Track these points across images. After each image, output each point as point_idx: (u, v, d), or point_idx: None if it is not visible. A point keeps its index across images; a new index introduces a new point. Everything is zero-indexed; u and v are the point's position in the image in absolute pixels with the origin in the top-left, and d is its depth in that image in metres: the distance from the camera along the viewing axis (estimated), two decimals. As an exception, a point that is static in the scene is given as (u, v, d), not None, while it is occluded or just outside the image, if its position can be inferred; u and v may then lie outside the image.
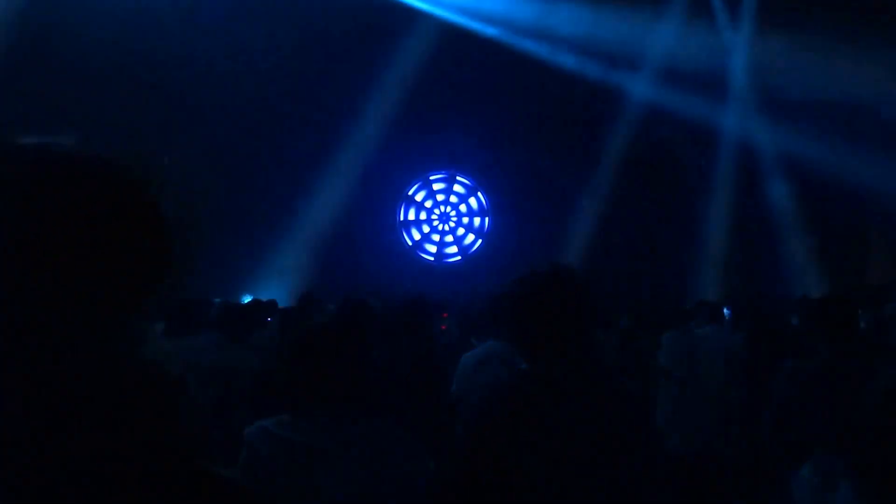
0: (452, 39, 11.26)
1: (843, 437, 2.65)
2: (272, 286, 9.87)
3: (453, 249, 13.06)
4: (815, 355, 3.27)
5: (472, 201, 13.10)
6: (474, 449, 2.11)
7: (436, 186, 13.07)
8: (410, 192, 12.95)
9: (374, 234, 12.38)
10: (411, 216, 12.98)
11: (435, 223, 13.08)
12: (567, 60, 11.40)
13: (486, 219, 13.05)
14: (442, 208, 13.11)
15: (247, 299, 7.68)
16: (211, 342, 4.11)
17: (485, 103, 11.76)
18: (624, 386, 2.31)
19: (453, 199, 13.09)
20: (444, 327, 5.61)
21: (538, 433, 2.02)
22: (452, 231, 13.10)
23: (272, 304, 6.38)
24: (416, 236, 12.97)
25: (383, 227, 12.68)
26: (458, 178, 13.07)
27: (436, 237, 13.05)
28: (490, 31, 11.45)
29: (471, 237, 13.09)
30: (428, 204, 13.05)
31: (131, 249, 0.80)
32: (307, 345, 2.27)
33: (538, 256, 11.03)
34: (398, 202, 12.88)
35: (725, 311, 6.48)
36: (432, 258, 12.92)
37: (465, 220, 13.11)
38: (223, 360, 3.94)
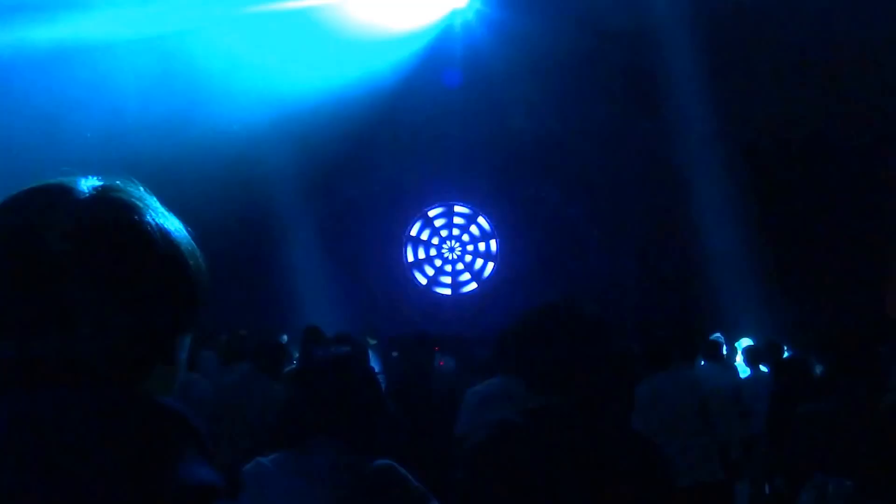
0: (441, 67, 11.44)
1: (846, 462, 2.60)
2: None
3: (467, 277, 13.06)
4: (833, 395, 3.21)
5: (474, 228, 13.13)
6: (475, 491, 2.03)
7: (437, 223, 13.12)
8: (413, 233, 12.99)
9: (388, 278, 12.48)
10: (420, 255, 13.02)
11: (445, 255, 13.11)
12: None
13: (494, 241, 13.06)
14: (449, 243, 13.14)
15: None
16: (243, 377, 4.13)
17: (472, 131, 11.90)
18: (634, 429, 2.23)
19: (455, 231, 13.13)
20: (441, 363, 5.52)
21: (543, 476, 1.94)
22: (461, 259, 13.12)
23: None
24: (430, 272, 12.99)
25: (395, 270, 12.78)
26: (457, 206, 13.11)
27: (448, 268, 13.08)
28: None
29: (480, 262, 13.10)
30: (434, 241, 13.09)
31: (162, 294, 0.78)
32: (306, 380, 2.22)
33: (552, 276, 11.04)
34: (403, 244, 12.95)
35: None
36: (449, 291, 12.92)
37: (471, 247, 13.13)
38: (254, 395, 3.93)
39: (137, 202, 0.78)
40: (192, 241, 0.82)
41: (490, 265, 13.10)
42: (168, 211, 0.83)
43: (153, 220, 0.77)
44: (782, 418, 4.14)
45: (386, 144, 11.80)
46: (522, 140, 11.98)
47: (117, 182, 0.80)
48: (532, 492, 1.91)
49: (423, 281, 13.07)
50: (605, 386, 2.10)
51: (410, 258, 13.07)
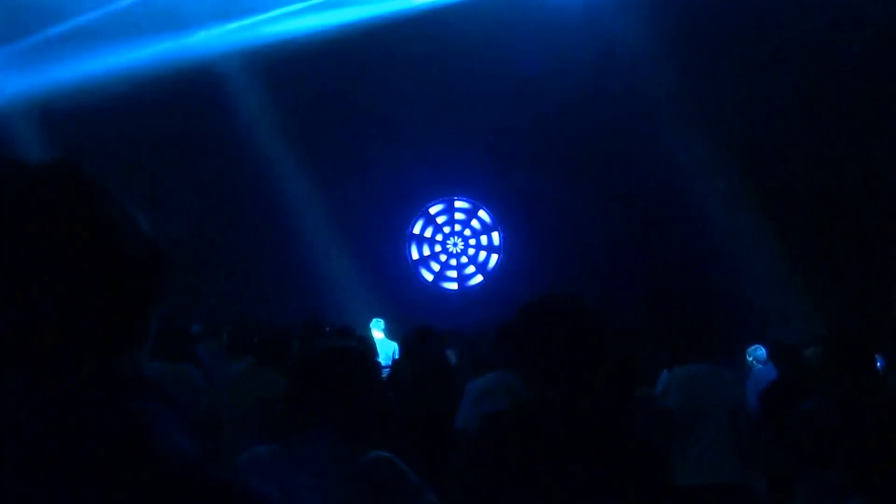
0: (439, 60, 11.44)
1: (849, 456, 2.61)
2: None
3: (472, 269, 13.09)
4: (832, 394, 3.22)
5: (476, 222, 13.15)
6: (468, 481, 2.04)
7: (439, 219, 13.14)
8: (416, 231, 13.02)
9: (394, 275, 12.53)
10: (426, 252, 13.05)
11: (450, 249, 13.15)
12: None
13: (497, 233, 13.07)
14: (453, 238, 13.17)
15: None
16: (244, 369, 4.16)
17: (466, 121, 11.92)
18: (630, 422, 2.24)
19: (458, 226, 13.15)
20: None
21: (532, 467, 1.94)
22: (465, 252, 13.15)
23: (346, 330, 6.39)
24: (436, 267, 13.03)
25: (400, 268, 12.82)
26: (457, 202, 13.12)
27: (453, 262, 13.11)
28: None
29: (483, 254, 13.13)
30: (438, 237, 13.12)
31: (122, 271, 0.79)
32: (302, 371, 2.22)
33: (557, 265, 11.04)
34: (408, 241, 12.99)
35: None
36: (455, 285, 12.96)
37: (473, 241, 13.16)
38: (254, 387, 3.95)
39: (91, 180, 0.79)
40: (144, 222, 0.83)
41: (494, 257, 13.16)
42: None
43: (107, 196, 0.78)
44: (779, 416, 4.13)
45: (384, 138, 11.84)
46: (522, 131, 11.99)
47: (71, 161, 0.81)
48: (522, 482, 1.92)
49: (430, 277, 13.11)
50: (601, 380, 2.11)
51: (416, 256, 13.12)
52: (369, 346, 5.91)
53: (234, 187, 12.10)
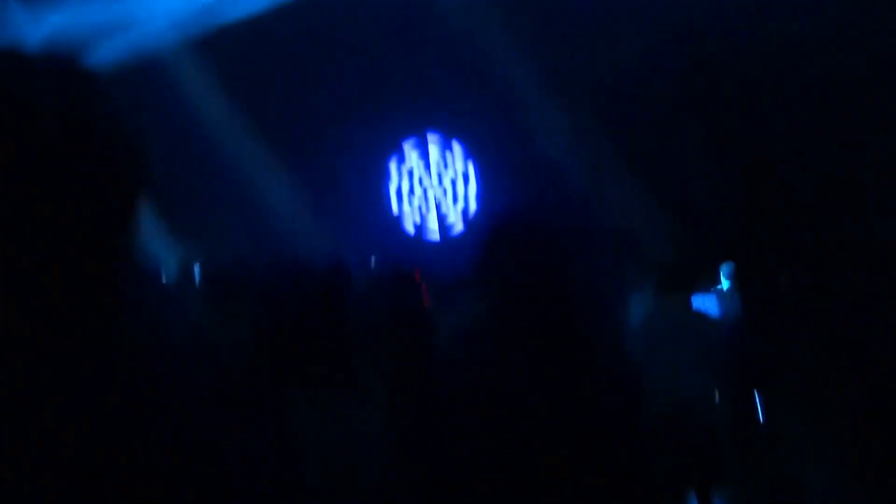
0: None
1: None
2: None
3: (452, 219, 13.02)
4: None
5: (451, 161, 13.02)
6: (438, 402, 2.04)
7: (415, 170, 13.02)
8: (394, 185, 12.91)
9: (375, 229, 12.45)
10: (405, 207, 13.00)
11: (429, 198, 13.07)
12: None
13: (470, 163, 12.91)
14: (431, 188, 13.02)
15: None
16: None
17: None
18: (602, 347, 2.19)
19: (433, 167, 12.98)
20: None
21: (492, 384, 1.91)
22: (444, 197, 13.05)
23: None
24: (416, 219, 12.99)
25: (381, 222, 12.75)
26: (430, 136, 12.93)
27: (433, 213, 13.07)
28: None
29: (461, 204, 13.02)
30: (417, 192, 13.03)
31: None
32: (277, 314, 2.22)
33: (537, 201, 10.99)
34: (385, 197, 12.88)
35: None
36: (437, 237, 12.91)
37: (449, 184, 13.03)
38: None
39: (81, 72, 0.78)
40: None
41: (473, 203, 12.95)
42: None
43: (99, 89, 0.78)
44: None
45: (351, 83, 11.64)
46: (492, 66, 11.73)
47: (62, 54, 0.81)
48: (484, 401, 1.90)
49: (413, 231, 13.06)
50: (556, 295, 2.05)
51: (395, 210, 13.06)
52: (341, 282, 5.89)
53: (208, 141, 11.93)
